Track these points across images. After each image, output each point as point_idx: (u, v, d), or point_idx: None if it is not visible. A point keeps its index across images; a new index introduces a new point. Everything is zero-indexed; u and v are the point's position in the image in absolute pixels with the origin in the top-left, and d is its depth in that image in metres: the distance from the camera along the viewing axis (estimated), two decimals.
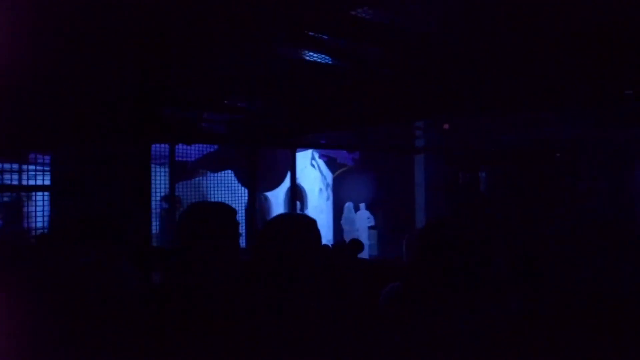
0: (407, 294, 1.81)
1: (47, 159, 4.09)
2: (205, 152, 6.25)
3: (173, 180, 3.94)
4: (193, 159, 6.55)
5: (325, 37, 3.44)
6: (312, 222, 1.68)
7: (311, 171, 6.92)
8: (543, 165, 6.39)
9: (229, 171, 5.29)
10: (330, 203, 7.35)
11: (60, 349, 1.81)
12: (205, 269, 1.68)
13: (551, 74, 4.27)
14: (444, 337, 1.54)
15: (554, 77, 4.31)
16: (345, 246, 3.36)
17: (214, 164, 6.09)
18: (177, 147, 5.21)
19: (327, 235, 6.82)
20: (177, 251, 1.79)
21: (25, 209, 4.35)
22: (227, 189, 4.79)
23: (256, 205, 5.96)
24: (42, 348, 1.83)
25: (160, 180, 5.66)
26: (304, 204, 6.89)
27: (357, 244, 3.44)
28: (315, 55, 4.03)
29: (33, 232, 4.43)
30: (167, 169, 6.09)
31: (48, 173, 4.05)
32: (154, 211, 3.95)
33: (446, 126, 6.27)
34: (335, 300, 1.66)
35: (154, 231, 4.37)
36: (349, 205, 7.14)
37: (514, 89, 4.60)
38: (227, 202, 4.79)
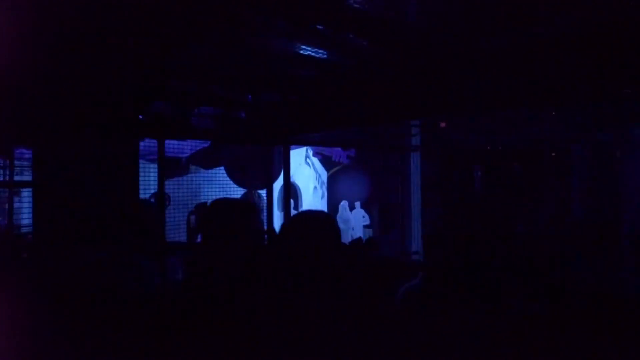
0: (426, 292, 1.83)
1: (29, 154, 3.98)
2: (197, 149, 6.16)
3: (162, 177, 3.83)
4: (186, 155, 6.47)
5: (320, 28, 3.37)
6: (332, 220, 1.72)
7: (305, 169, 6.84)
8: (538, 165, 6.39)
9: (221, 168, 5.19)
10: (324, 201, 7.27)
11: (81, 346, 1.78)
12: (226, 263, 1.68)
13: (548, 72, 4.24)
14: (463, 335, 1.52)
15: (551, 75, 4.28)
16: (362, 244, 3.35)
17: (206, 160, 6.00)
18: (168, 143, 5.13)
19: None
20: (198, 246, 1.74)
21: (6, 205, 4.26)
22: (219, 186, 4.69)
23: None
24: (59, 346, 1.79)
25: (152, 177, 5.58)
26: (298, 202, 6.80)
27: (373, 243, 3.44)
28: (310, 49, 3.95)
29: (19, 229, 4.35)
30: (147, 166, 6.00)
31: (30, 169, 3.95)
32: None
33: (443, 124, 6.20)
34: (354, 298, 1.65)
35: None
36: (344, 204, 7.06)
37: (512, 88, 4.55)
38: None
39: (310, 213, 2.13)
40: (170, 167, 6.16)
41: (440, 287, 1.77)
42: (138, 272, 2.16)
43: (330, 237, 1.67)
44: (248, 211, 1.83)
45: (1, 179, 4.14)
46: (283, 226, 1.79)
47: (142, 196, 3.86)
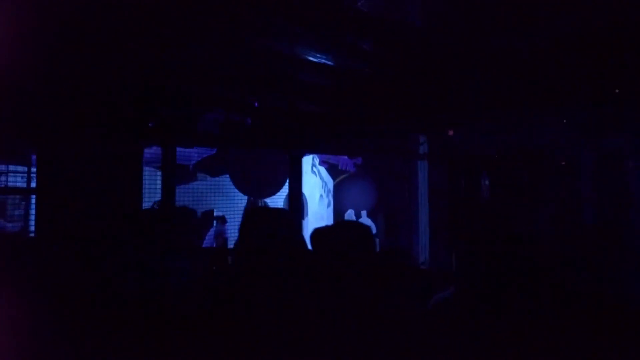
0: (459, 301, 1.85)
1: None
2: (204, 156, 6.12)
3: (168, 184, 3.78)
4: (193, 163, 6.44)
5: (326, 34, 3.33)
6: (369, 230, 1.78)
7: (311, 177, 6.78)
8: (546, 171, 6.30)
9: (226, 176, 5.15)
10: (330, 210, 7.20)
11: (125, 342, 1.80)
12: (264, 267, 1.72)
13: (553, 76, 4.18)
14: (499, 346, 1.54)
15: (556, 79, 4.22)
16: (394, 254, 3.39)
17: (212, 168, 5.96)
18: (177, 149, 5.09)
19: None
20: (237, 251, 1.90)
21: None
22: (223, 194, 4.63)
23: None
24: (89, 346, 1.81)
25: (158, 184, 5.54)
26: (304, 211, 6.73)
27: (405, 253, 3.54)
28: (321, 56, 3.91)
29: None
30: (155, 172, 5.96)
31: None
32: None
33: (450, 132, 6.14)
34: (388, 307, 1.67)
35: None
36: (349, 212, 6.98)
37: (517, 93, 4.51)
38: (222, 207, 4.66)
39: (349, 224, 2.21)
40: (177, 175, 6.13)
41: (476, 298, 1.79)
42: (173, 274, 2.25)
43: (366, 246, 1.73)
44: (286, 219, 1.91)
45: (3, 185, 4.13)
46: (321, 236, 1.84)
47: (146, 203, 3.81)
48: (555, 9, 3.35)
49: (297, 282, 1.71)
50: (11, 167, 4.58)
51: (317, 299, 1.61)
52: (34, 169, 4.55)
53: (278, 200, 5.53)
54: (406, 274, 2.88)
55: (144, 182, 4.31)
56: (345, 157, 7.31)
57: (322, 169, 7.33)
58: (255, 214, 2.00)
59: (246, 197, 5.47)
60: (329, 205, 7.20)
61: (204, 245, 5.45)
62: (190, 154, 5.95)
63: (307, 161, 6.81)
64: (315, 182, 6.76)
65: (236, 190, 5.12)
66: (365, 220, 7.17)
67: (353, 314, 1.56)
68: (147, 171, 4.52)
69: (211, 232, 5.69)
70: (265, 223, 1.82)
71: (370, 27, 3.18)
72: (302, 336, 1.52)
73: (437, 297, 2.00)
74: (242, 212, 5.59)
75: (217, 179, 5.40)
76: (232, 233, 5.51)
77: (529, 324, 1.60)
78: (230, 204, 5.18)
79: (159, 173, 5.83)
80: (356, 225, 2.01)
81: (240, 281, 1.74)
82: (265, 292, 1.64)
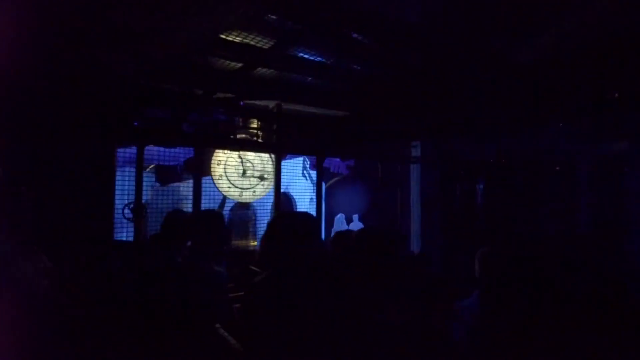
0: (484, 306, 1.89)
1: None
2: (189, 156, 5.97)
3: (140, 185, 3.62)
4: (181, 163, 6.28)
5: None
6: (402, 237, 1.72)
7: (302, 180, 6.63)
8: (541, 177, 6.18)
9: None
10: (322, 213, 7.02)
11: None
12: (291, 268, 1.77)
13: (551, 80, 4.09)
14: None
15: (554, 83, 4.13)
16: (415, 259, 3.47)
17: (196, 168, 5.81)
18: (164, 150, 4.95)
19: None
20: (264, 253, 1.90)
21: None
22: (206, 195, 4.48)
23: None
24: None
25: (145, 184, 5.39)
26: None
27: (425, 258, 3.59)
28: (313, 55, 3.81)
29: None
30: (150, 174, 5.81)
31: None
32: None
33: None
34: (412, 312, 1.67)
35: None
36: (339, 217, 6.82)
37: (517, 99, 4.40)
38: (206, 209, 4.50)
39: (377, 229, 2.24)
40: (166, 175, 5.98)
41: (500, 304, 1.79)
42: (212, 272, 2.28)
43: (395, 252, 1.75)
44: (312, 222, 1.95)
45: None
46: (352, 240, 1.87)
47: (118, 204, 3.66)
48: (555, 11, 3.28)
49: (325, 285, 1.75)
50: None
51: (340, 302, 1.64)
52: None
53: (265, 202, 5.38)
54: (428, 280, 2.89)
55: (125, 182, 4.17)
56: (338, 160, 7.15)
57: (314, 173, 7.18)
58: (284, 218, 2.03)
59: (230, 200, 5.31)
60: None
61: None
62: (178, 154, 5.80)
63: (297, 164, 6.66)
64: (305, 184, 6.61)
65: (218, 192, 4.96)
66: (357, 224, 7.01)
67: (376, 320, 1.59)
68: (128, 172, 4.36)
69: None
70: (293, 227, 1.86)
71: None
72: (333, 339, 1.55)
73: (461, 304, 2.02)
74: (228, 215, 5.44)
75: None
76: None
77: (557, 328, 1.61)
78: (214, 206, 5.02)
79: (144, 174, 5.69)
80: (382, 231, 2.03)
81: (271, 285, 1.77)
82: (297, 294, 1.68)
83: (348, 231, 3.19)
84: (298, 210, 6.08)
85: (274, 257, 1.84)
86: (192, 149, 5.80)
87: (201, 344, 1.75)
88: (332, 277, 1.78)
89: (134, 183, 3.77)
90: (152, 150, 4.39)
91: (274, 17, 3.18)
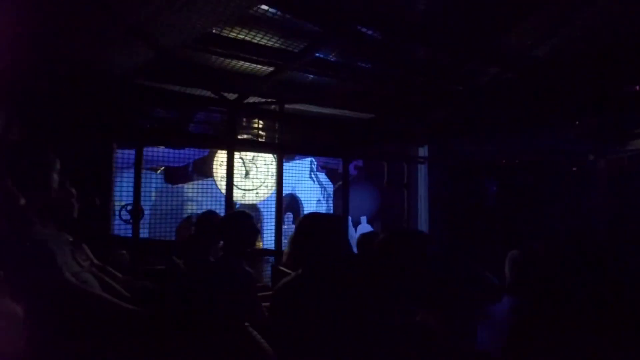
0: (515, 311, 1.85)
1: None
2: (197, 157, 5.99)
3: (138, 186, 3.61)
4: (191, 163, 6.31)
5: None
6: (429, 239, 1.77)
7: (309, 181, 6.58)
8: (555, 177, 6.01)
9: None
10: (347, 215, 6.97)
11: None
12: (317, 269, 1.78)
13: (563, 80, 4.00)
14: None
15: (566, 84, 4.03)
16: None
17: (204, 169, 5.82)
18: (174, 151, 4.96)
19: None
20: (293, 254, 1.88)
21: None
22: (209, 196, 4.47)
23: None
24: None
25: (153, 185, 5.41)
26: (299, 215, 6.53)
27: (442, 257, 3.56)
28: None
29: None
30: (159, 175, 5.83)
31: None
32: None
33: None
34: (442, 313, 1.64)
35: None
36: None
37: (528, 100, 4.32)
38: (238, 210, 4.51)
39: (406, 232, 2.22)
40: (176, 175, 6.01)
41: (534, 310, 1.78)
42: (242, 270, 2.31)
43: (423, 256, 1.73)
44: (341, 224, 1.95)
45: None
46: (379, 243, 1.84)
47: (117, 205, 3.65)
48: (563, 10, 3.23)
49: (353, 288, 1.74)
50: None
51: (368, 305, 1.64)
52: None
53: (270, 203, 5.35)
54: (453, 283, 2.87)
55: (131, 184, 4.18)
56: None
57: (322, 175, 7.13)
58: (314, 219, 1.99)
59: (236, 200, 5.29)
60: (327, 210, 6.97)
61: None
62: (188, 155, 5.83)
63: (305, 166, 6.62)
64: (312, 187, 6.56)
65: (220, 193, 4.95)
66: (365, 227, 6.93)
67: (403, 323, 1.58)
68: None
69: None
70: (324, 228, 1.87)
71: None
72: (360, 342, 1.54)
73: (490, 309, 2.00)
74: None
75: (204, 181, 5.24)
76: None
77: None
78: (219, 208, 5.01)
79: (153, 175, 5.72)
80: (415, 235, 1.99)
81: (301, 286, 1.78)
82: (326, 296, 1.68)
83: (373, 233, 3.15)
84: (323, 212, 6.03)
85: (303, 258, 1.84)
86: (199, 150, 5.84)
87: (232, 343, 1.75)
88: (360, 280, 1.76)
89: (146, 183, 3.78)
90: (158, 151, 4.40)
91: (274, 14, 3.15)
